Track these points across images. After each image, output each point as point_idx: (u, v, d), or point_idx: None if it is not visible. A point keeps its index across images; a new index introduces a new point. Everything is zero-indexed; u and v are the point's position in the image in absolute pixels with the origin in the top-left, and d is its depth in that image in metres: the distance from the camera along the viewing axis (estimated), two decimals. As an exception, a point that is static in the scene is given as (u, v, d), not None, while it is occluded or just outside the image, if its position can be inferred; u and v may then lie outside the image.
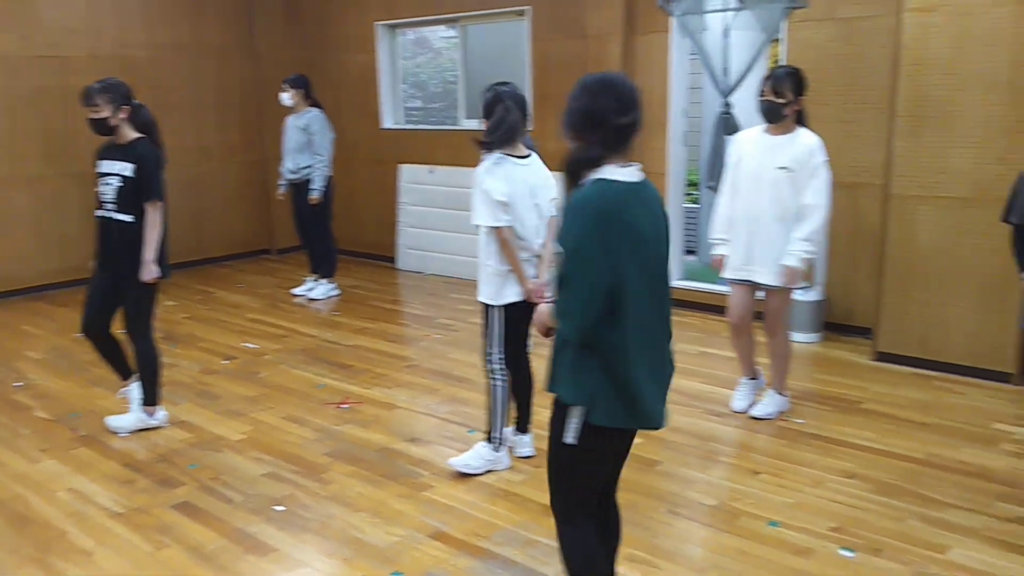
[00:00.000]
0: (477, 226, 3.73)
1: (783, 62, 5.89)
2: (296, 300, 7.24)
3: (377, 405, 4.81)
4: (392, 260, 8.58)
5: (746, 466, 3.97)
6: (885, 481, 3.76)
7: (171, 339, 6.14)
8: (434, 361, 5.57)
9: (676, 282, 6.76)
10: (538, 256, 3.73)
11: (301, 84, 6.95)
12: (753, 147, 4.26)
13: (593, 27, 6.65)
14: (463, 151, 7.75)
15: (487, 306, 3.79)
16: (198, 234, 8.47)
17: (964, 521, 3.41)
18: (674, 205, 6.68)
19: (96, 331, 4.39)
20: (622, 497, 3.64)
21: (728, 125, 6.24)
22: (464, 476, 3.88)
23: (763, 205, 4.19)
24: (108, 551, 3.31)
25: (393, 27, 8.44)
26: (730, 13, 6.10)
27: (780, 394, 4.58)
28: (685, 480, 3.83)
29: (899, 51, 4.94)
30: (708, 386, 5.02)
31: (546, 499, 3.61)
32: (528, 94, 7.19)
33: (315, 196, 6.87)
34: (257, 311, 6.93)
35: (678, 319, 6.04)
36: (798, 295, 5.76)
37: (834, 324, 5.85)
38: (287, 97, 6.93)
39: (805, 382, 5.03)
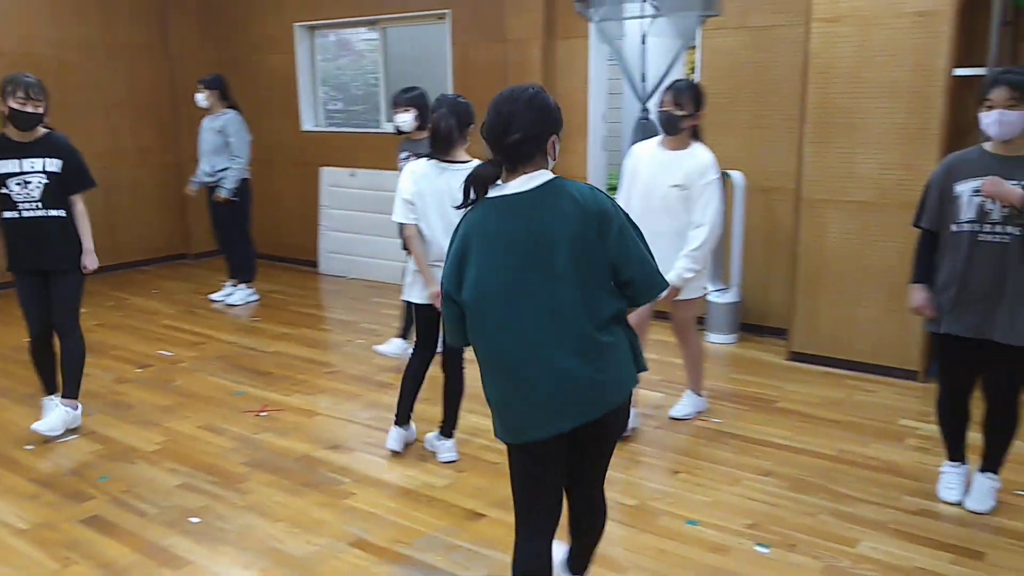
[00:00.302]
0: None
1: (698, 69, 6.02)
2: (214, 306, 7.08)
3: (297, 412, 4.73)
4: (314, 264, 8.46)
5: (665, 466, 4.04)
6: (799, 478, 3.87)
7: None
8: (356, 367, 5.51)
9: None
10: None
11: (216, 85, 6.79)
12: (649, 161, 4.15)
13: (514, 31, 6.68)
14: (385, 154, 7.70)
15: None
16: (111, 238, 8.19)
17: (873, 515, 3.54)
18: (595, 209, 6.74)
19: (47, 338, 4.41)
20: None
21: (646, 130, 6.31)
22: (385, 483, 3.85)
23: (657, 221, 3.99)
24: (10, 570, 3.17)
25: (312, 28, 8.34)
26: (647, 20, 6.19)
27: (697, 395, 4.66)
28: (606, 481, 3.85)
29: (807, 59, 5.09)
30: (629, 387, 5.09)
31: (468, 504, 3.64)
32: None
33: (223, 195, 6.69)
34: (173, 317, 6.74)
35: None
36: (714, 297, 5.89)
37: (749, 325, 6.00)
38: (202, 98, 6.77)
39: (722, 382, 5.14)
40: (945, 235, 3.36)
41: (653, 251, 3.73)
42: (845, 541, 3.32)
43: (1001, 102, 3.10)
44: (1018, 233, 3.16)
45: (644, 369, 2.44)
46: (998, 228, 3.20)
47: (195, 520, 3.54)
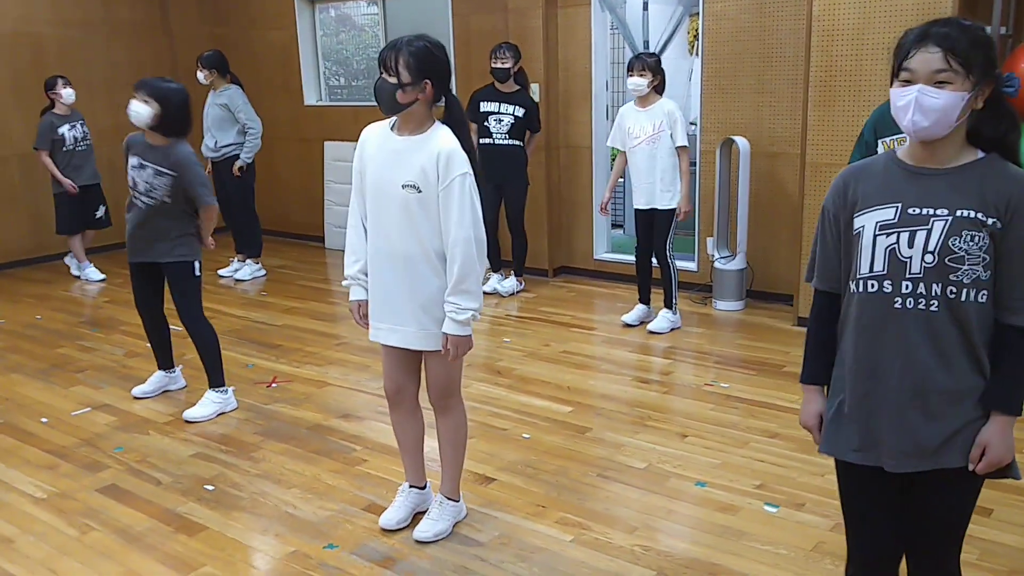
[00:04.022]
0: None
1: (701, 35, 5.99)
2: (222, 281, 7.11)
3: (308, 383, 4.77)
4: (321, 240, 8.48)
5: (674, 430, 4.07)
6: (805, 440, 3.83)
7: (92, 323, 6.00)
8: (365, 338, 5.50)
9: (603, 255, 6.88)
10: None
11: (214, 63, 6.77)
12: (375, 152, 2.92)
13: (514, 0, 6.65)
14: (388, 128, 7.67)
15: None
16: (120, 216, 8.17)
17: (879, 473, 3.56)
18: (599, 179, 6.75)
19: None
20: (552, 463, 3.73)
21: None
22: (397, 450, 3.88)
23: (393, 238, 2.89)
24: (31, 538, 3.23)
25: (312, 2, 8.31)
26: (650, -14, 6.17)
27: (454, 501, 3.24)
28: (615, 445, 3.91)
29: (810, 22, 5.06)
30: (635, 354, 5.13)
31: (479, 468, 3.69)
32: (451, 68, 7.18)
33: (240, 164, 6.76)
34: (181, 294, 6.77)
35: (606, 291, 6.07)
36: (720, 264, 5.90)
37: (757, 292, 6.01)
38: (202, 76, 6.77)
39: (730, 348, 5.17)
40: (846, 297, 2.04)
41: (387, 276, 2.94)
42: (852, 499, 3.35)
43: (925, 74, 1.83)
44: (952, 295, 1.86)
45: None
46: (921, 288, 1.88)
47: (209, 488, 3.59)
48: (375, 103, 2.88)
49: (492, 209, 6.15)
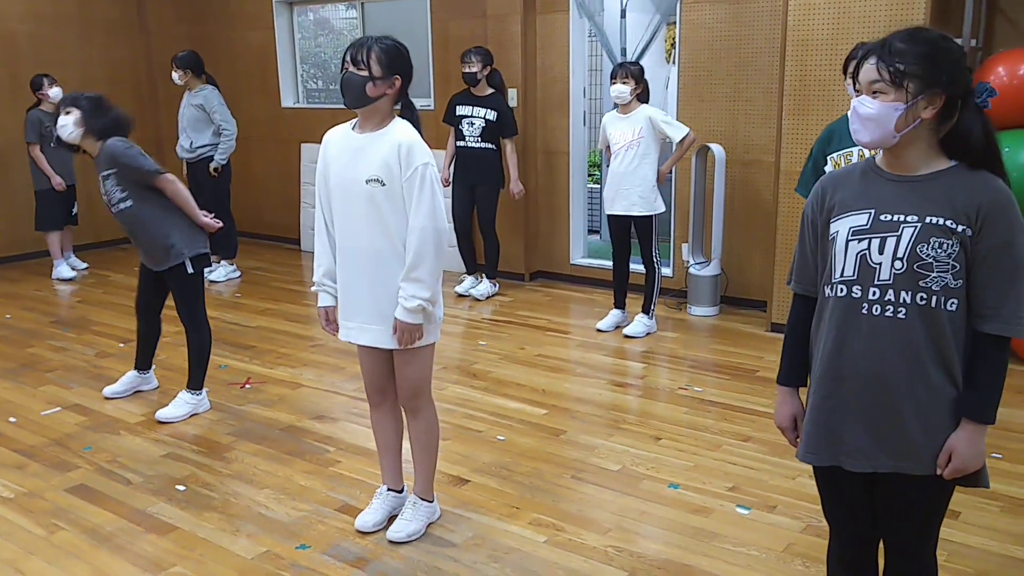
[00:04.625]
0: None
1: (678, 44, 6.05)
2: (195, 283, 7.05)
3: (282, 384, 4.75)
4: (296, 242, 8.44)
5: (648, 432, 4.09)
6: (778, 443, 3.90)
7: (63, 323, 5.94)
8: (339, 340, 5.47)
9: (579, 260, 6.91)
10: None
11: (189, 64, 6.73)
12: (338, 153, 2.93)
13: (493, 6, 6.67)
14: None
15: None
16: (90, 216, 8.14)
17: (849, 476, 3.59)
18: (576, 185, 6.78)
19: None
20: (526, 465, 3.74)
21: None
22: (370, 451, 3.87)
23: (362, 235, 2.89)
24: (-2, 537, 3.19)
25: (291, 5, 8.29)
26: (628, -6, 6.22)
27: (427, 501, 3.23)
28: (589, 447, 3.92)
29: (785, 32, 5.12)
30: (610, 358, 5.15)
31: (452, 470, 3.68)
32: (429, 73, 7.20)
33: (214, 165, 6.73)
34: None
35: (583, 295, 6.11)
36: (695, 270, 5.94)
37: (731, 298, 6.06)
38: (177, 77, 6.74)
39: (704, 353, 5.21)
40: (819, 301, 2.07)
41: (355, 274, 2.95)
42: (823, 502, 3.38)
43: (864, 84, 1.90)
44: (922, 302, 1.88)
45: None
46: (890, 295, 1.90)
47: (181, 488, 3.55)
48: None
49: (465, 211, 6.17)
